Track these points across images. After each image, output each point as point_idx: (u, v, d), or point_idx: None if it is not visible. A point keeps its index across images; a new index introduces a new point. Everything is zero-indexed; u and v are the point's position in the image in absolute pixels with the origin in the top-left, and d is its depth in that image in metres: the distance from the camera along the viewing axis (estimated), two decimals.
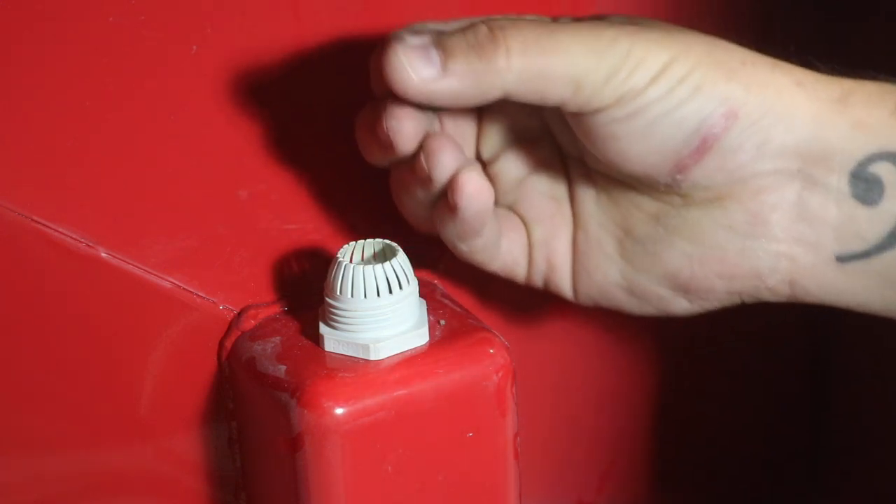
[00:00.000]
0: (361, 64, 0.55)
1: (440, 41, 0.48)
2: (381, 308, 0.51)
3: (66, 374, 0.53)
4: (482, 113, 0.54)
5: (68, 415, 0.54)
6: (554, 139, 0.54)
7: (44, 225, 0.51)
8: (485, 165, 0.55)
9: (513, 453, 0.54)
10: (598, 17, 0.52)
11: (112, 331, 0.54)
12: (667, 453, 0.71)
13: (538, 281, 0.55)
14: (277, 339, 0.54)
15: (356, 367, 0.51)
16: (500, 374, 0.53)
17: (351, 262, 0.52)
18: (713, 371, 0.70)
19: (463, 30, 0.48)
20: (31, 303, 0.52)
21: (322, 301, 0.53)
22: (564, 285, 0.54)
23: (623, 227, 0.52)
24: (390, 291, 0.51)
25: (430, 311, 0.54)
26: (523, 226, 0.55)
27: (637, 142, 0.48)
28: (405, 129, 0.50)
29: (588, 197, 0.53)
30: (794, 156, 0.49)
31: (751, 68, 0.49)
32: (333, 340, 0.52)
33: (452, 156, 0.50)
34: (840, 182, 0.49)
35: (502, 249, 0.54)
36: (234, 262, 0.55)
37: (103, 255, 0.52)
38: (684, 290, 0.52)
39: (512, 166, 0.54)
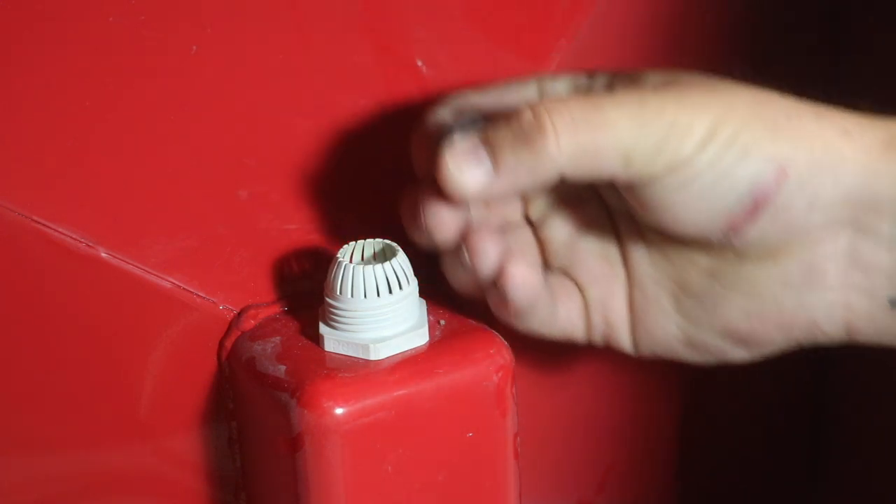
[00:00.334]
0: (361, 63, 0.55)
1: (488, 138, 0.48)
2: (381, 308, 0.51)
3: (66, 374, 0.53)
4: None
5: (68, 415, 0.54)
6: (601, 197, 0.54)
7: (44, 225, 0.51)
8: (534, 228, 0.55)
9: (513, 453, 0.54)
10: (637, 76, 0.51)
11: (112, 331, 0.54)
12: (667, 453, 0.71)
13: (598, 340, 0.55)
14: (277, 339, 0.54)
15: (356, 367, 0.51)
16: (500, 374, 0.53)
17: (351, 262, 0.52)
18: (713, 371, 0.70)
19: (508, 119, 0.48)
20: (31, 303, 0.52)
21: (322, 301, 0.53)
22: (624, 343, 0.54)
23: (678, 283, 0.52)
24: (390, 291, 0.51)
25: (430, 311, 0.54)
26: (578, 289, 0.55)
27: (688, 207, 0.48)
28: (445, 224, 0.51)
29: (640, 254, 0.53)
30: (844, 206, 0.49)
31: (796, 122, 0.48)
32: (333, 340, 0.52)
33: (495, 249, 0.51)
34: (891, 228, 0.49)
35: (559, 317, 0.54)
36: (234, 262, 0.55)
37: (103, 255, 0.52)
38: (743, 341, 0.52)
39: (561, 228, 0.54)
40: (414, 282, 0.52)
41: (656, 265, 0.53)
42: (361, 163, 0.55)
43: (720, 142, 0.47)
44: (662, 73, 0.51)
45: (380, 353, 0.52)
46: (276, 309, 0.56)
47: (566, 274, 0.55)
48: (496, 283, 0.51)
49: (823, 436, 0.75)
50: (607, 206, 0.54)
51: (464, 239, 0.51)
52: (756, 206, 0.48)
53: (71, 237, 0.52)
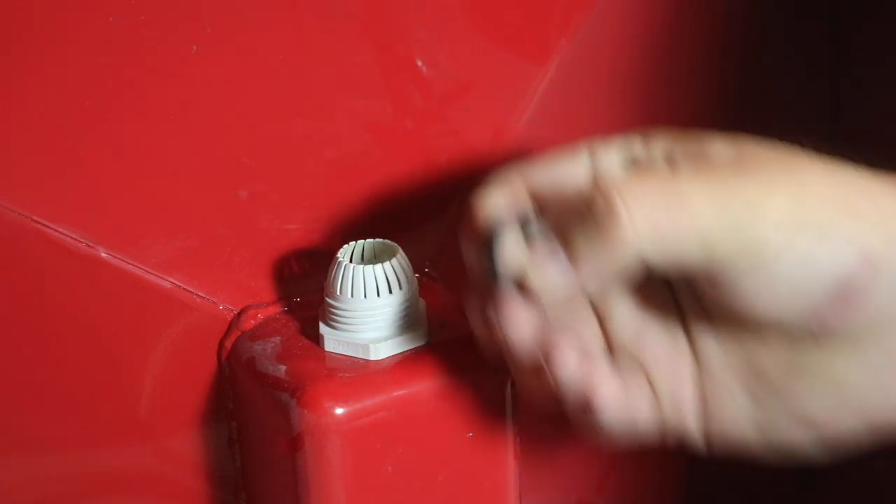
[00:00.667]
0: (361, 63, 0.55)
1: (563, 233, 0.45)
2: (381, 308, 0.51)
3: (66, 374, 0.53)
4: None
5: (68, 415, 0.54)
6: (665, 280, 0.49)
7: (44, 225, 0.51)
8: (599, 321, 0.50)
9: (513, 453, 0.54)
10: (701, 148, 0.47)
11: (112, 331, 0.54)
12: (667, 453, 0.71)
13: (666, 434, 0.49)
14: (277, 339, 0.54)
15: (356, 367, 0.51)
16: (500, 374, 0.53)
17: (351, 262, 0.52)
18: None
19: (578, 208, 0.44)
20: (31, 303, 0.52)
21: (322, 301, 0.53)
22: (694, 435, 0.49)
23: (752, 370, 0.47)
24: (390, 291, 0.51)
25: (430, 311, 0.54)
26: (646, 378, 0.49)
27: (766, 292, 0.45)
28: (521, 329, 0.47)
29: (709, 338, 0.48)
30: None
31: (879, 203, 0.45)
32: (333, 340, 0.52)
33: (576, 362, 0.47)
34: None
35: (636, 417, 0.49)
36: (234, 262, 0.55)
37: (103, 255, 0.52)
38: (823, 433, 0.47)
39: (627, 317, 0.49)
40: (414, 282, 0.52)
41: (727, 350, 0.48)
42: (361, 163, 0.55)
43: (796, 223, 0.44)
44: (726, 141, 0.47)
45: (380, 353, 0.52)
46: (276, 309, 0.56)
47: (631, 359, 0.49)
48: (584, 410, 0.47)
49: None
50: (672, 290, 0.49)
51: (541, 349, 0.47)
52: (845, 299, 0.44)
53: (71, 237, 0.52)
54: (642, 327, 0.49)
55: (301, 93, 0.55)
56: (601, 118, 0.64)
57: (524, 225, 0.46)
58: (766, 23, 0.67)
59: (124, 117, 0.52)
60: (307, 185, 0.56)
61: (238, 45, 0.53)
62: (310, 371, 0.51)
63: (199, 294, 0.55)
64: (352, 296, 0.51)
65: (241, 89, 0.54)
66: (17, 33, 0.49)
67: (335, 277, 0.51)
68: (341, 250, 0.52)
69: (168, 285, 0.54)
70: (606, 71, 0.64)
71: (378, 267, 0.51)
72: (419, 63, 0.57)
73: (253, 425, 0.55)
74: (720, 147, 0.47)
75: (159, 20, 0.51)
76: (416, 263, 0.53)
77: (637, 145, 0.49)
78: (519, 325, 0.47)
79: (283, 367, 0.52)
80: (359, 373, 0.51)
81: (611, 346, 0.49)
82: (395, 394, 0.51)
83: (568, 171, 0.49)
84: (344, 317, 0.52)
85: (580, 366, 0.47)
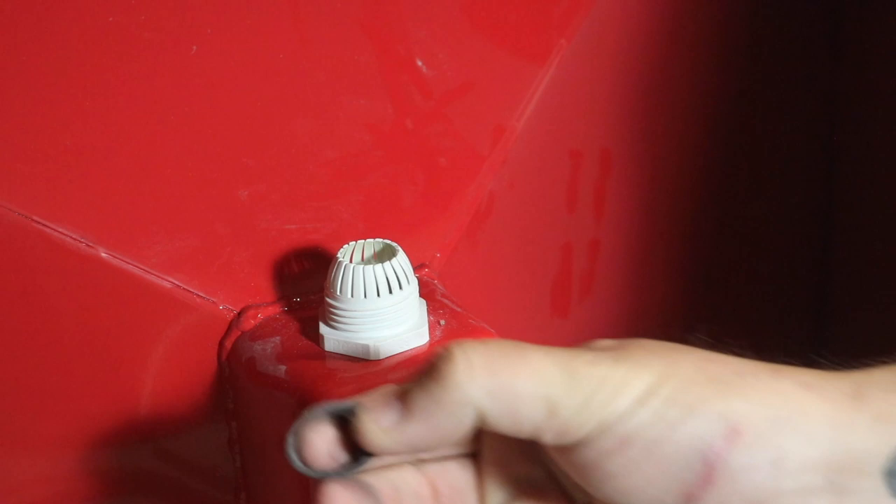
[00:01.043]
0: (361, 63, 0.55)
1: (399, 385, 0.42)
2: (381, 308, 0.51)
3: (66, 374, 0.53)
4: (481, 467, 0.47)
5: (68, 415, 0.54)
6: (561, 486, 0.47)
7: (44, 225, 0.51)
8: None
9: None
10: (586, 344, 0.46)
11: (112, 331, 0.54)
12: None
13: None
14: (277, 339, 0.54)
15: (356, 367, 0.51)
16: None
17: (351, 262, 0.52)
18: None
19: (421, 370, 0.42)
20: (32, 303, 0.52)
21: (322, 301, 0.53)
22: None
23: None
24: (390, 291, 0.51)
25: (430, 311, 0.54)
26: None
27: (634, 475, 0.43)
28: None
29: None
30: (816, 469, 0.44)
31: (749, 378, 0.44)
32: (333, 340, 0.52)
33: None
34: (874, 484, 0.44)
35: None
36: (234, 262, 0.55)
37: (103, 255, 0.52)
38: None
39: None
40: (414, 282, 0.52)
41: None
42: (361, 163, 0.55)
43: (661, 399, 0.42)
44: (616, 341, 0.46)
45: (380, 353, 0.52)
46: (276, 309, 0.56)
47: None
48: None
49: None
50: (568, 497, 0.47)
51: None
52: (709, 470, 0.42)
53: (71, 237, 0.52)
54: None
55: (301, 93, 0.55)
56: (601, 118, 0.64)
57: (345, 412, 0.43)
58: (766, 23, 0.67)
59: (124, 117, 0.52)
60: (307, 185, 0.56)
61: (238, 46, 0.53)
62: (310, 371, 0.51)
63: (199, 294, 0.55)
64: (352, 296, 0.51)
65: (241, 89, 0.54)
66: (18, 33, 0.49)
67: (335, 277, 0.51)
68: (341, 250, 0.52)
69: (168, 285, 0.54)
70: (606, 71, 0.64)
71: (378, 267, 0.51)
72: (419, 63, 0.57)
73: (253, 425, 0.55)
74: (605, 341, 0.46)
75: (159, 20, 0.51)
76: (416, 263, 0.53)
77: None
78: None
79: (283, 367, 0.52)
80: (359, 373, 0.51)
81: None
82: None
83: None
84: (344, 317, 0.52)
85: None
